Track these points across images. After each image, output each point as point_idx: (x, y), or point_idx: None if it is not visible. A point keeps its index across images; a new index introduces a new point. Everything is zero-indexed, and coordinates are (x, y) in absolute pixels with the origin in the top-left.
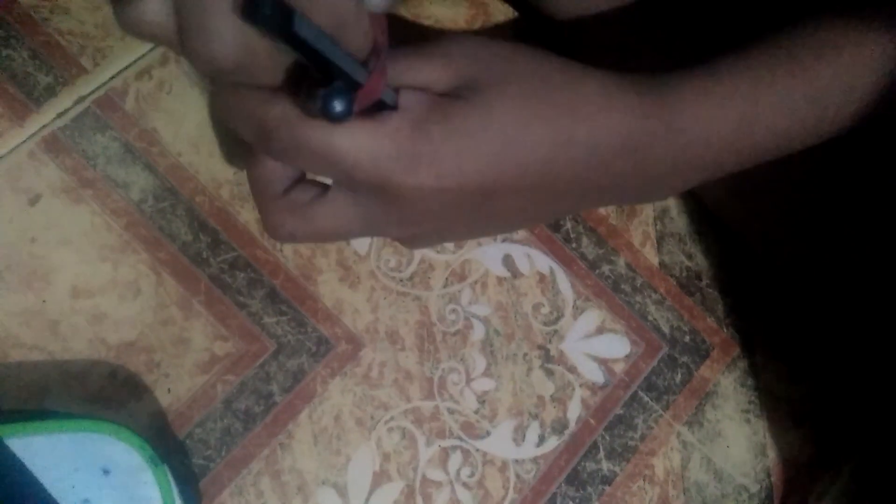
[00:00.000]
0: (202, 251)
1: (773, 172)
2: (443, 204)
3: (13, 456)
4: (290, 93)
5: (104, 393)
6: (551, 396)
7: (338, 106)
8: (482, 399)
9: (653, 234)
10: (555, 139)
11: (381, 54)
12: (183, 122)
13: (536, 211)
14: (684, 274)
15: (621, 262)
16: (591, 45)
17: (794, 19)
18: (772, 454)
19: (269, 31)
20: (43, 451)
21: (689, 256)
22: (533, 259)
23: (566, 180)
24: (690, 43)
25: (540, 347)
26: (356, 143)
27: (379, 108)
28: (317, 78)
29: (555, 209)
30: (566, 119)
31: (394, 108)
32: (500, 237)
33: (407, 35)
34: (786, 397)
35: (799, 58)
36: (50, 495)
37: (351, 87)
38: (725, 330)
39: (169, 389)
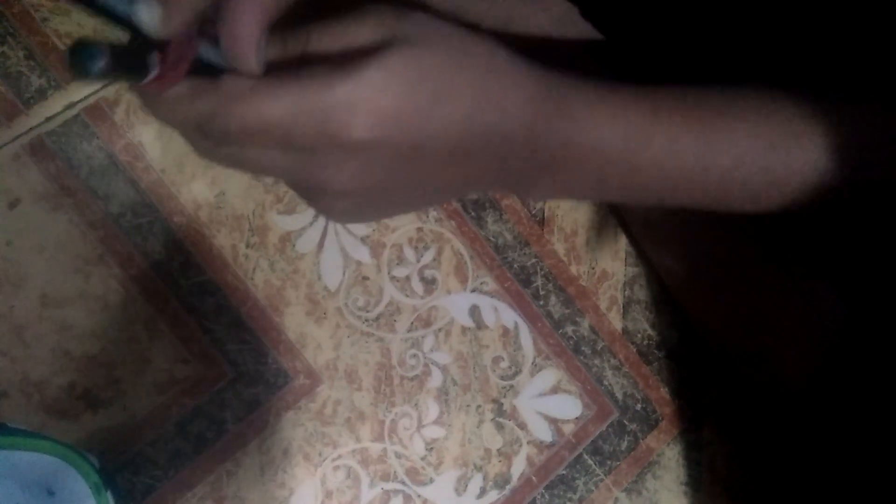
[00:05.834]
0: (173, 272)
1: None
2: (376, 157)
3: None
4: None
5: (61, 403)
6: (498, 450)
7: (90, 63)
8: (430, 446)
9: (620, 299)
10: (474, 98)
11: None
12: (171, 139)
13: (452, 177)
14: (645, 342)
15: (585, 324)
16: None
17: (737, 79)
18: None
19: None
20: None
21: (653, 326)
22: (499, 312)
23: (479, 145)
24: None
25: (494, 401)
26: (287, 103)
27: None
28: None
29: (464, 179)
30: (484, 81)
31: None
32: (469, 287)
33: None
34: (726, 475)
35: (700, 111)
36: None
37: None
38: (677, 402)
39: (125, 406)
